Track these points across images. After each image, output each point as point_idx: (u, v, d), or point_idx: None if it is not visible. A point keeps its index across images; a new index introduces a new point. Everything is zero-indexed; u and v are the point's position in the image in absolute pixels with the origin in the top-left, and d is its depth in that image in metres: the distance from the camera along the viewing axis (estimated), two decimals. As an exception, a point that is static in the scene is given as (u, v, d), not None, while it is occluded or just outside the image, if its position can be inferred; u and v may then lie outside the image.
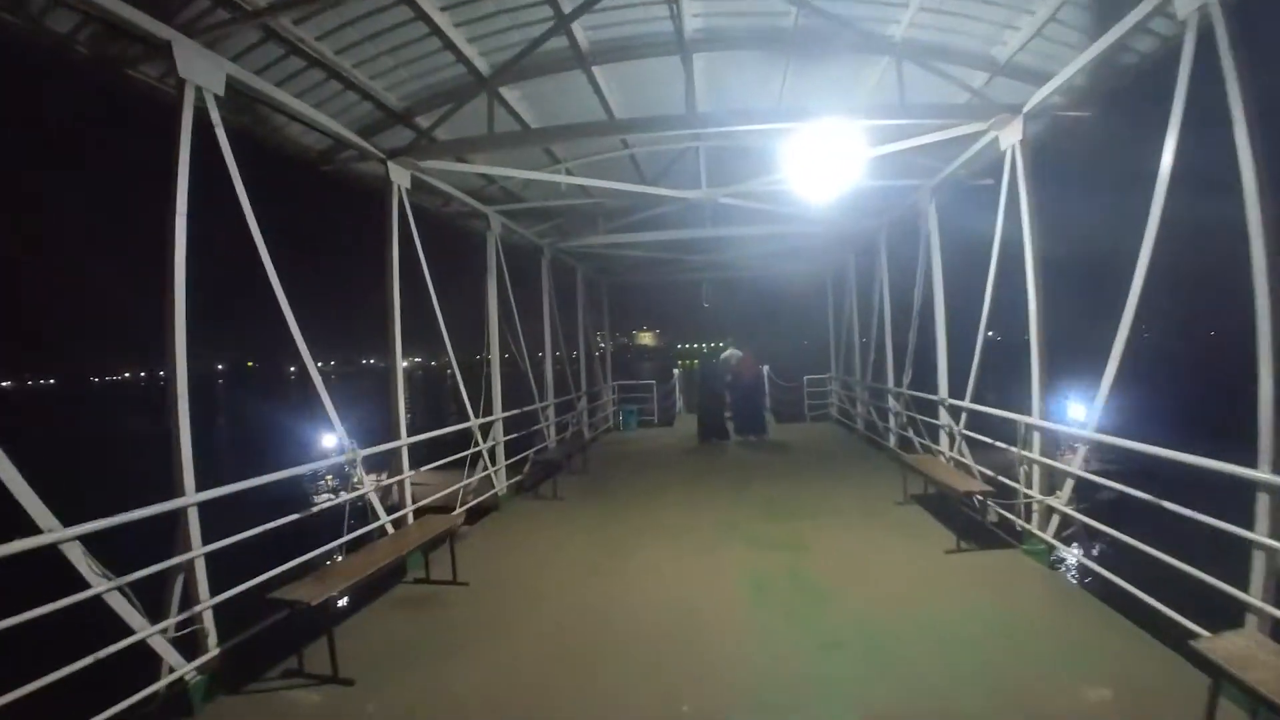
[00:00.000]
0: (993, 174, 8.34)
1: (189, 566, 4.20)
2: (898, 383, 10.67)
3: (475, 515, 8.49)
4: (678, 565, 6.20)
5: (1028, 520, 6.27)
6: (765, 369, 17.09)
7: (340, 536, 5.65)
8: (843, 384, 15.31)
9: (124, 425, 46.63)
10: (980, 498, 6.56)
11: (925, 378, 9.89)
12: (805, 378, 16.64)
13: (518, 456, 9.92)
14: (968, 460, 7.88)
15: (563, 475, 10.40)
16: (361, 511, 6.13)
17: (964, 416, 7.80)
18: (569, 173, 8.38)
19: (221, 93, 4.70)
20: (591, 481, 10.16)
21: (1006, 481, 6.58)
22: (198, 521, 4.27)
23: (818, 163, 6.19)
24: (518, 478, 9.68)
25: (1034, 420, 6.16)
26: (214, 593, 4.31)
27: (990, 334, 7.30)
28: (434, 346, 9.19)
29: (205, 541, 4.27)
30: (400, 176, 6.97)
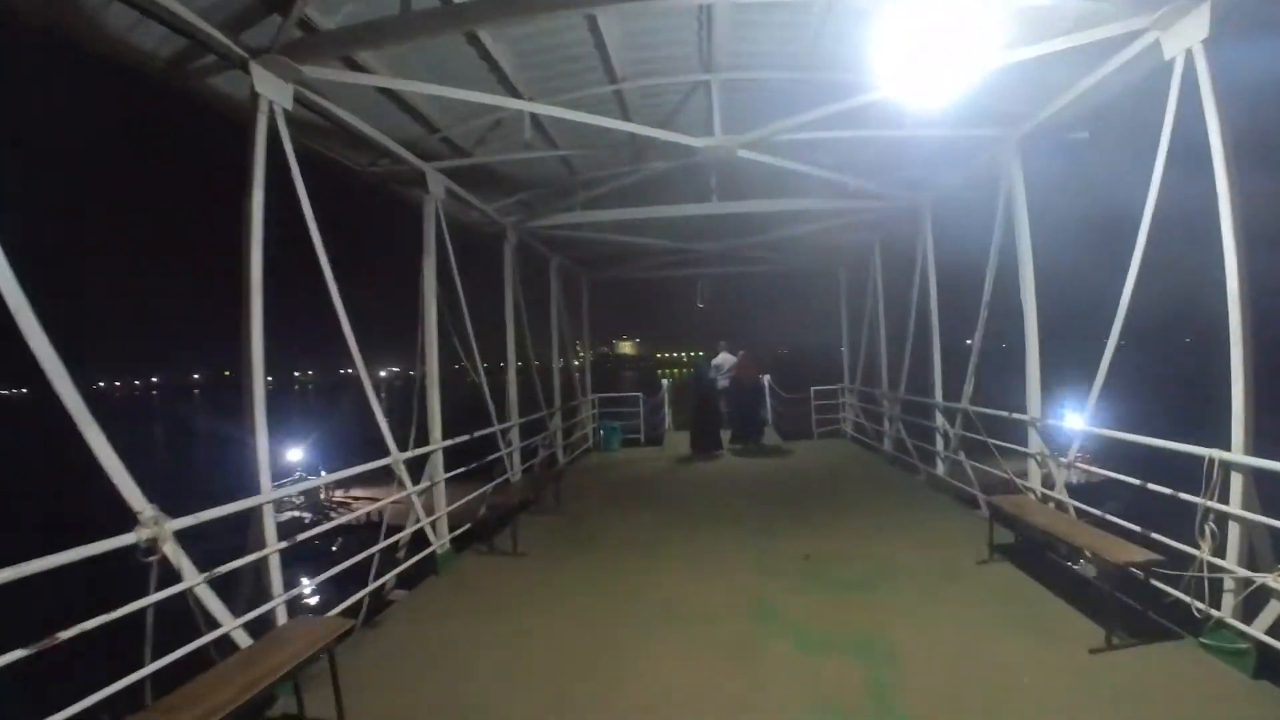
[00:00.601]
0: (1091, 123, 6.33)
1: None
2: (952, 396, 8.53)
3: (410, 580, 6.28)
4: (695, 687, 3.96)
5: (1212, 601, 4.16)
6: (766, 378, 14.96)
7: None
8: (860, 396, 13.16)
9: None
10: (1139, 571, 4.40)
11: (985, 390, 7.80)
12: (812, 389, 14.48)
13: (471, 496, 7.60)
14: (1061, 500, 5.78)
15: (530, 514, 8.14)
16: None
17: (1075, 445, 5.67)
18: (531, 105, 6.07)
19: None
20: (565, 526, 7.87)
21: (1176, 545, 4.42)
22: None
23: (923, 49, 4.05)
24: (469, 525, 7.39)
25: (1235, 457, 4.03)
26: None
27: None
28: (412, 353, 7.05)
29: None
30: (272, 88, 4.69)
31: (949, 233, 8.84)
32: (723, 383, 13.38)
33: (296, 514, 22.02)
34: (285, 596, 4.53)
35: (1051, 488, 6.12)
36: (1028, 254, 6.35)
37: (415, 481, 6.30)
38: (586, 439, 13.72)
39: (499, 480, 8.63)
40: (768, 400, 15.01)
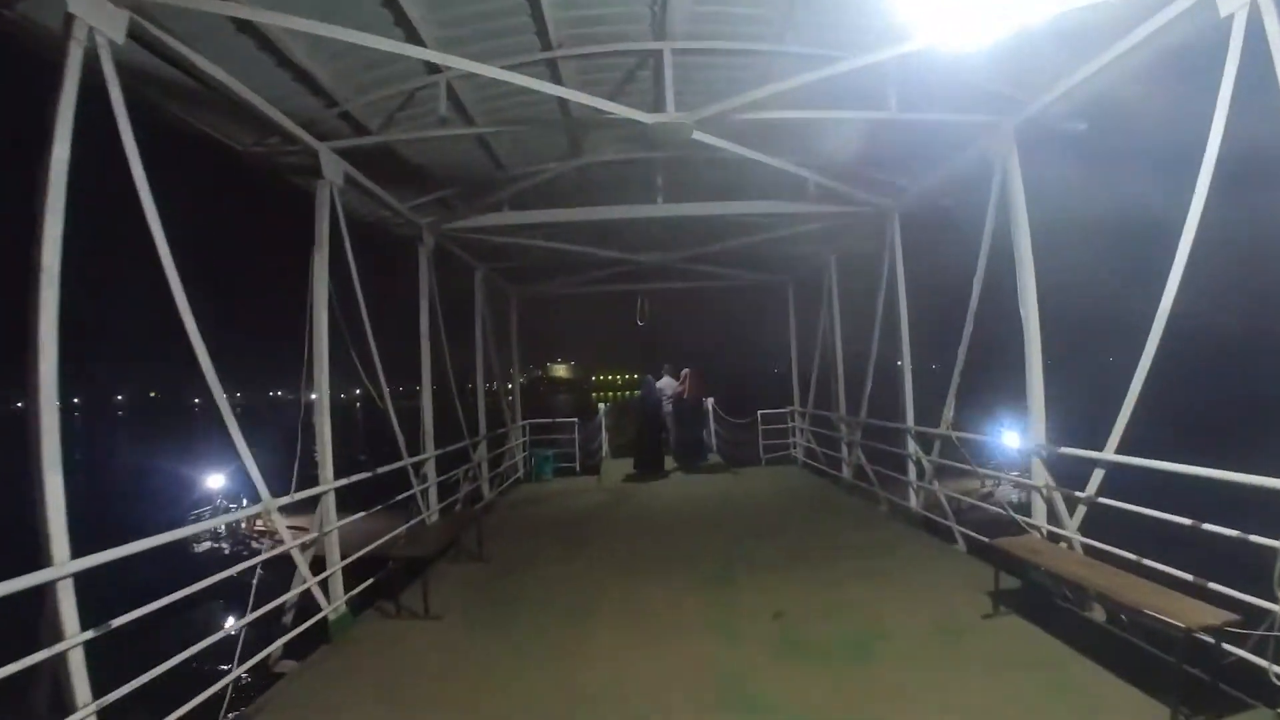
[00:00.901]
0: (1087, 114, 5.68)
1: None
2: (923, 420, 7.73)
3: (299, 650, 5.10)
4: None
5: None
6: (710, 401, 14.07)
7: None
8: (813, 420, 12.36)
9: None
10: (1208, 636, 3.54)
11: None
12: (759, 412, 13.62)
13: (373, 545, 6.28)
14: (1075, 540, 4.97)
15: (450, 560, 6.90)
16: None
17: (1097, 476, 4.85)
18: (438, 57, 4.93)
19: None
20: (488, 577, 6.62)
21: (1247, 599, 3.60)
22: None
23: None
24: (373, 580, 6.08)
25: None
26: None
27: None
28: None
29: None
30: (94, 8, 3.47)
31: (919, 243, 8.13)
32: (666, 407, 12.58)
33: (215, 545, 20.04)
34: (95, 706, 3.21)
35: (1057, 524, 5.29)
36: (1027, 257, 5.58)
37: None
38: (517, 469, 12.44)
39: (413, 522, 7.34)
40: (711, 423, 14.10)
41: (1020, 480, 5.76)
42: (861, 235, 9.34)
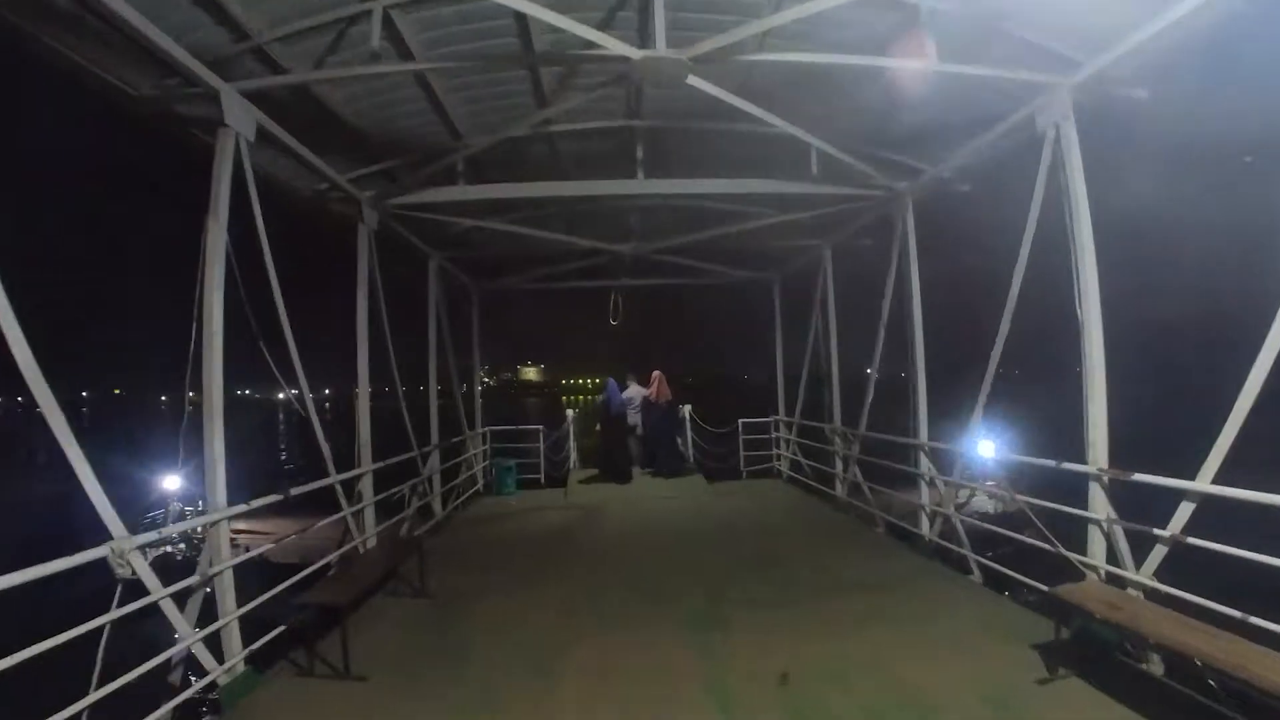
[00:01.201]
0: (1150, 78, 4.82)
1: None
2: (944, 435, 6.81)
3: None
4: None
5: None
6: (687, 409, 13.09)
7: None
8: (800, 431, 11.40)
9: None
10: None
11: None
12: (740, 421, 12.64)
13: (278, 589, 5.11)
14: (1148, 586, 4.06)
15: (385, 595, 5.82)
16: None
17: (1185, 510, 3.93)
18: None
19: None
20: (429, 620, 5.49)
21: None
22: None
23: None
24: (283, 628, 4.93)
25: None
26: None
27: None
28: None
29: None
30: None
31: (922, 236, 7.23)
32: (633, 418, 11.66)
33: (169, 550, 18.62)
34: None
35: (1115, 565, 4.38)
36: (1088, 249, 4.67)
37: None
38: (476, 480, 11.28)
39: (346, 549, 6.21)
40: (688, 433, 13.09)
41: (1070, 510, 4.83)
42: (864, 226, 8.42)
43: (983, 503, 14.64)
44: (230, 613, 4.40)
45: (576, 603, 5.72)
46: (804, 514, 9.21)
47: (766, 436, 12.46)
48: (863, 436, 8.57)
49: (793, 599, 5.62)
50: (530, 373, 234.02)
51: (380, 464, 6.88)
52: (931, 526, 6.72)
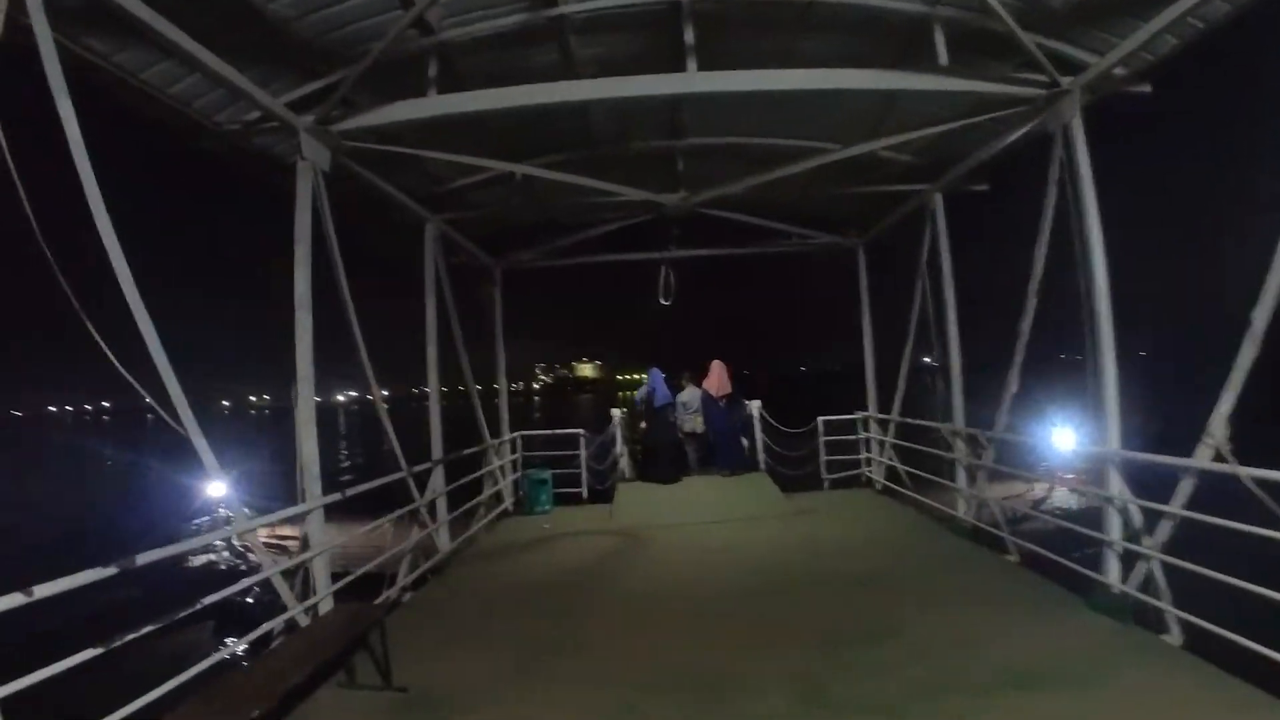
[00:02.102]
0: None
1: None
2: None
3: None
4: None
5: None
6: (756, 405, 10.95)
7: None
8: (900, 431, 9.11)
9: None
10: None
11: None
12: (819, 419, 10.41)
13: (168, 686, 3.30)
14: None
15: (339, 685, 4.00)
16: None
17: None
18: None
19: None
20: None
21: None
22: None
23: None
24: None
25: None
26: None
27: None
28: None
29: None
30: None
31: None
32: (691, 423, 10.11)
33: (213, 557, 18.01)
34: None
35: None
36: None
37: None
38: (502, 498, 9.42)
39: (286, 619, 4.36)
40: (758, 434, 10.93)
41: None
42: (992, 158, 6.14)
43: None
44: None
45: (616, 697, 3.76)
46: (913, 542, 6.97)
47: (853, 438, 10.22)
48: (998, 441, 6.32)
49: (932, 702, 3.51)
50: (586, 369, 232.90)
51: (341, 494, 4.97)
52: (1124, 576, 4.44)
